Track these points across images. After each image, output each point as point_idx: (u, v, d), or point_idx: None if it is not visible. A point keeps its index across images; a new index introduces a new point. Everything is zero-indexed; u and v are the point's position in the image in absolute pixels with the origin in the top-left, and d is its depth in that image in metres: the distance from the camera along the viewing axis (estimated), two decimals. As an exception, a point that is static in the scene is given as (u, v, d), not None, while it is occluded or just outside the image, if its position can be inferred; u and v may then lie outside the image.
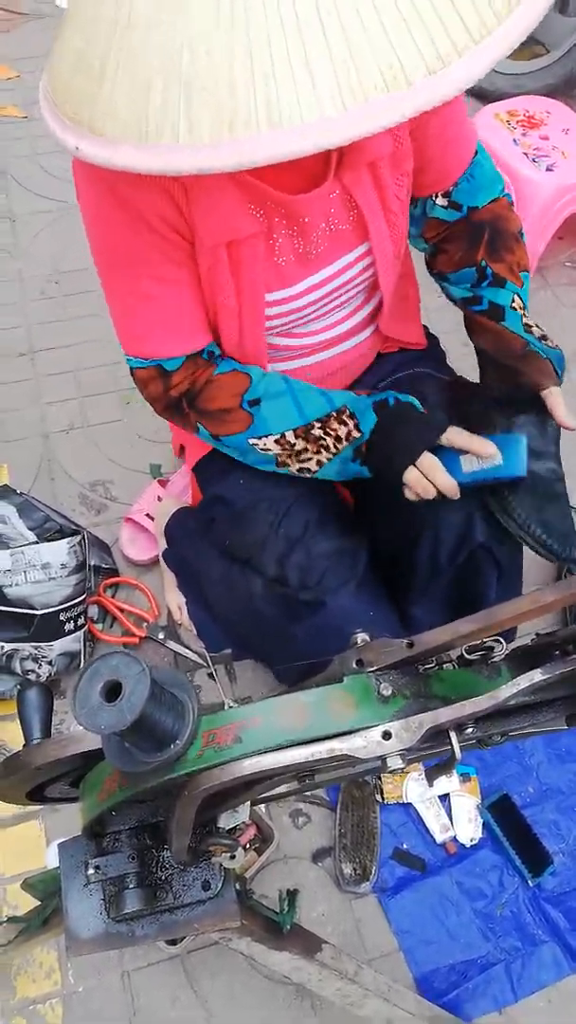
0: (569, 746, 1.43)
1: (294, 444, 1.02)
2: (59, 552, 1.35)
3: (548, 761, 1.42)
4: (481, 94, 2.61)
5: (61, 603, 1.37)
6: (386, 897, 1.30)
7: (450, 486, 0.97)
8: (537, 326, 1.08)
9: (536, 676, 0.59)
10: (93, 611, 1.53)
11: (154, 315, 0.95)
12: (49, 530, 1.43)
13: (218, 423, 1.02)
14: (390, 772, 0.60)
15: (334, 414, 1.00)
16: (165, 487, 1.63)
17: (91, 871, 0.74)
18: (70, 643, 1.41)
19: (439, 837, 1.34)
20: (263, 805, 1.36)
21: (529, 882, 1.30)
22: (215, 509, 1.17)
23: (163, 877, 0.78)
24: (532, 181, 2.00)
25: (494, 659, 0.65)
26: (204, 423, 1.03)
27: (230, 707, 1.51)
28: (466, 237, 1.09)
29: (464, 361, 1.94)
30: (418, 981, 1.24)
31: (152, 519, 1.59)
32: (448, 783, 1.37)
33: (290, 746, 0.59)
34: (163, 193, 0.86)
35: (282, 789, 0.73)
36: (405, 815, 1.36)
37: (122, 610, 1.55)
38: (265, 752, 0.59)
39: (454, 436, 0.98)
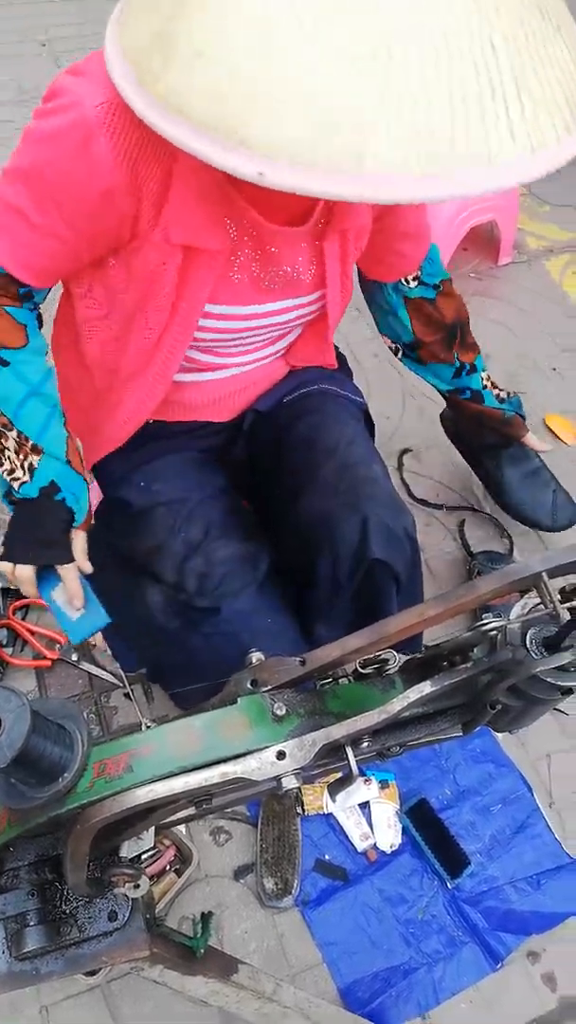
0: (483, 747, 1.46)
1: None
2: (-38, 576, 1.30)
3: (464, 762, 1.45)
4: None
5: (-35, 629, 1.32)
6: (309, 910, 1.30)
7: (31, 595, 1.02)
8: (495, 386, 1.48)
9: (426, 688, 0.60)
10: (2, 634, 1.48)
11: (12, 225, 0.89)
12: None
13: None
14: (283, 792, 0.59)
15: (30, 445, 0.97)
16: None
17: (-10, 911, 0.71)
18: (-23, 669, 1.36)
19: (360, 845, 1.34)
20: (183, 825, 1.34)
21: (448, 884, 1.32)
22: (113, 514, 1.16)
23: (67, 911, 0.76)
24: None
25: (388, 672, 0.66)
26: None
27: (147, 727, 1.48)
28: (444, 341, 1.34)
29: (375, 372, 1.99)
30: (342, 992, 1.24)
31: (62, 538, 1.55)
32: (367, 791, 1.38)
33: (183, 772, 0.58)
34: (131, 175, 0.81)
35: (184, 814, 0.72)
36: (326, 825, 1.37)
37: (33, 633, 1.50)
38: (157, 780, 0.57)
39: (66, 573, 1.00)
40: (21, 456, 0.98)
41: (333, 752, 0.63)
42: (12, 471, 0.98)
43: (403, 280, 1.26)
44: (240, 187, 0.87)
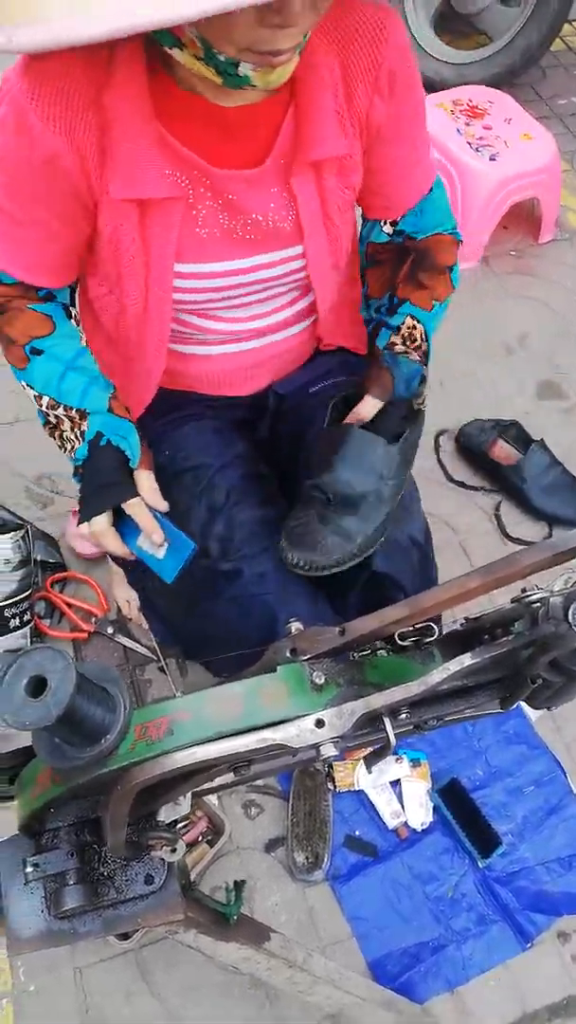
0: (516, 728, 1.46)
1: (47, 414, 1.00)
2: (2, 547, 1.33)
3: (496, 744, 1.45)
4: (426, 84, 2.60)
5: (5, 599, 1.35)
6: (339, 884, 1.31)
7: (120, 553, 1.01)
8: (408, 343, 1.07)
9: (466, 660, 0.60)
10: (40, 607, 1.51)
11: (11, 236, 0.92)
12: (-8, 525, 1.40)
13: (5, 348, 1.01)
14: (324, 760, 0.60)
15: (76, 413, 0.98)
16: (112, 480, 1.61)
17: (29, 869, 0.73)
18: (16, 639, 1.39)
19: (390, 823, 1.35)
20: (215, 797, 1.36)
21: (479, 863, 1.32)
22: None
23: (105, 872, 0.77)
24: (476, 171, 2.02)
25: (427, 644, 0.66)
26: (0, 343, 1.02)
27: (181, 700, 1.49)
28: (391, 262, 1.10)
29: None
30: (371, 966, 1.25)
31: (100, 512, 1.56)
32: (399, 769, 1.38)
33: (222, 737, 0.58)
34: (67, 137, 0.82)
35: (222, 780, 0.72)
36: (357, 802, 1.37)
37: (70, 605, 1.53)
38: (197, 744, 0.58)
39: (133, 509, 0.99)
40: (76, 430, 0.99)
41: (371, 722, 0.63)
42: (73, 447, 1.00)
43: (379, 222, 1.09)
44: (175, 127, 0.85)
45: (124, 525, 1.00)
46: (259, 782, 1.38)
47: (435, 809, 1.37)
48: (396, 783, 1.38)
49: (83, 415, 0.98)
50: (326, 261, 1.03)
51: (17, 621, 1.38)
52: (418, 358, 1.07)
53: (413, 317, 1.07)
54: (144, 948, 1.24)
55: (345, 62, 0.87)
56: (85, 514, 0.99)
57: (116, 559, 1.45)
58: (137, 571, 1.40)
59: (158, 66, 0.83)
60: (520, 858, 1.35)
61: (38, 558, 1.51)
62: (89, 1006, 1.21)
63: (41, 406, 1.00)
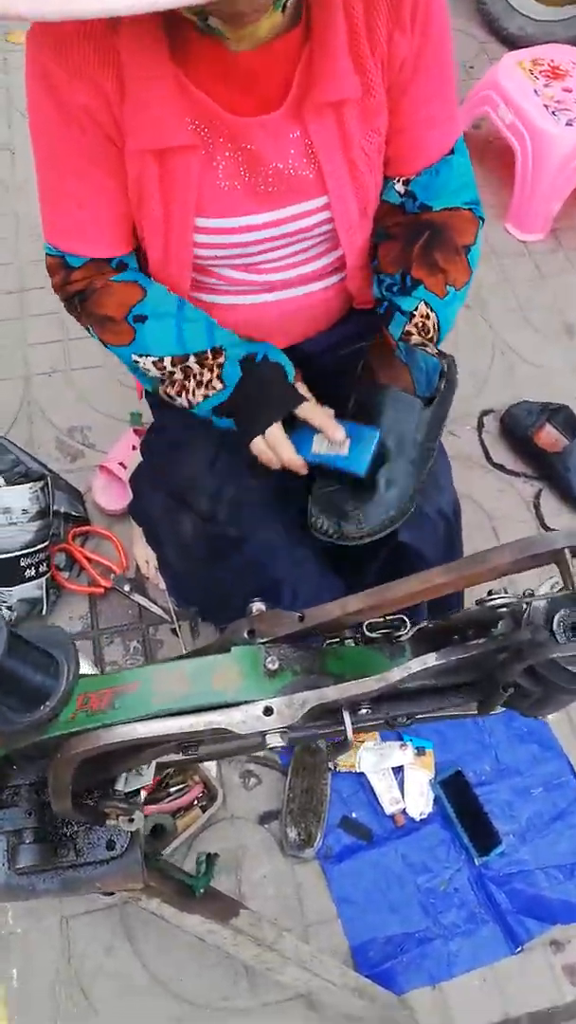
0: (530, 726, 1.40)
1: (173, 372, 0.99)
2: (20, 497, 1.33)
3: (507, 740, 1.40)
4: (508, 39, 2.48)
5: (21, 548, 1.35)
6: (329, 864, 1.29)
7: (294, 464, 0.97)
8: (421, 334, 1.00)
9: (430, 660, 0.56)
10: (60, 559, 1.51)
11: (68, 211, 0.93)
12: (17, 474, 1.40)
13: (104, 330, 1.00)
14: (268, 750, 0.57)
15: (211, 352, 0.97)
16: (142, 436, 1.59)
17: (-13, 824, 0.73)
18: (31, 589, 1.40)
19: (388, 809, 1.32)
20: (213, 764, 1.35)
21: (475, 861, 1.29)
22: (155, 441, 1.15)
23: (67, 833, 0.76)
24: (550, 135, 1.90)
25: (399, 638, 0.62)
26: (92, 327, 1.01)
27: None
28: (404, 237, 1.00)
29: (463, 322, 1.87)
30: (353, 950, 1.23)
31: (126, 468, 1.55)
32: (402, 755, 1.35)
33: (166, 715, 0.56)
34: (92, 86, 0.82)
35: (179, 756, 0.70)
36: (357, 784, 1.35)
37: (90, 560, 1.53)
38: (139, 720, 0.56)
39: (309, 412, 0.96)
40: (211, 372, 0.97)
41: (330, 715, 0.60)
42: (208, 385, 0.98)
43: (393, 180, 1.00)
44: (191, 72, 0.82)
45: (292, 438, 0.97)
46: (259, 752, 1.36)
47: (436, 800, 1.33)
48: (399, 769, 1.35)
49: (217, 352, 0.97)
50: (353, 211, 0.97)
51: (33, 571, 1.38)
52: (434, 352, 1.00)
53: (427, 304, 0.99)
54: (127, 904, 1.25)
55: None
56: (257, 428, 0.96)
57: (136, 516, 1.44)
58: (154, 530, 1.39)
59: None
60: (519, 860, 1.30)
61: (62, 510, 1.51)
62: (71, 955, 1.22)
63: (162, 369, 0.99)
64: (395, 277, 1.02)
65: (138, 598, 1.51)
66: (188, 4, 0.59)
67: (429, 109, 0.93)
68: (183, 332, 0.97)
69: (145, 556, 1.51)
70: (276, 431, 0.96)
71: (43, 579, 1.42)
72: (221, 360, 0.97)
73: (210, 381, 0.98)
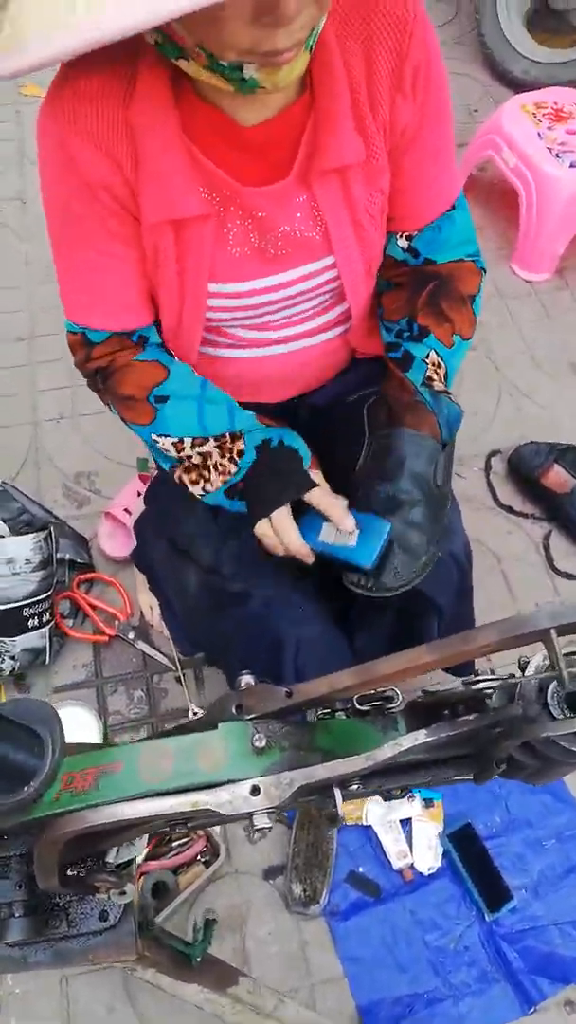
0: (541, 777, 1.37)
1: (190, 456, 0.98)
2: (23, 547, 1.33)
3: (519, 791, 1.37)
4: (512, 82, 2.51)
5: (25, 599, 1.35)
6: (336, 921, 1.26)
7: (300, 551, 0.95)
8: (440, 380, 1.01)
9: (420, 737, 0.54)
10: (65, 606, 1.51)
11: (87, 286, 0.93)
12: (22, 523, 1.41)
13: (125, 409, 0.99)
14: (257, 831, 0.55)
15: (228, 438, 0.97)
16: (147, 483, 1.59)
17: (-23, 896, 0.71)
18: (34, 639, 1.39)
19: (396, 863, 1.29)
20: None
21: (486, 917, 1.25)
22: (160, 491, 1.14)
23: (60, 903, 0.75)
24: (554, 177, 1.91)
25: (391, 711, 0.60)
26: (114, 404, 1.01)
27: (194, 713, 1.48)
28: (410, 287, 1.02)
29: (470, 364, 1.87)
30: (361, 1010, 1.20)
31: (131, 514, 1.56)
32: (410, 808, 1.32)
33: (151, 796, 0.55)
34: (109, 159, 0.83)
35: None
36: (363, 837, 1.32)
37: (94, 607, 1.52)
38: (124, 800, 0.55)
39: (319, 499, 0.94)
40: (228, 455, 0.97)
41: (319, 791, 0.59)
42: (226, 474, 0.97)
43: (395, 235, 1.01)
44: (201, 145, 0.83)
45: (301, 525, 0.96)
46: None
47: (445, 854, 1.30)
48: (406, 822, 1.32)
49: (235, 437, 0.97)
50: (359, 269, 0.98)
51: (36, 621, 1.38)
52: (454, 399, 1.01)
53: (436, 353, 1.00)
54: (130, 964, 1.22)
55: (368, 58, 0.82)
56: (264, 510, 0.94)
57: (141, 565, 1.44)
58: (157, 577, 1.39)
59: (183, 81, 0.81)
60: (531, 916, 1.27)
61: (67, 557, 1.51)
62: (71, 1015, 1.20)
63: (181, 451, 0.98)
64: (402, 323, 1.02)
65: (142, 646, 1.50)
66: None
67: (430, 169, 0.95)
68: (204, 414, 0.97)
69: (149, 603, 1.51)
70: (283, 515, 0.94)
71: (46, 628, 1.41)
72: (240, 445, 0.96)
73: (225, 468, 0.97)
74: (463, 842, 1.30)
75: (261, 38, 0.66)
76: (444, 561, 1.04)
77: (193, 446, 0.97)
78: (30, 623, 1.37)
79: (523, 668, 0.58)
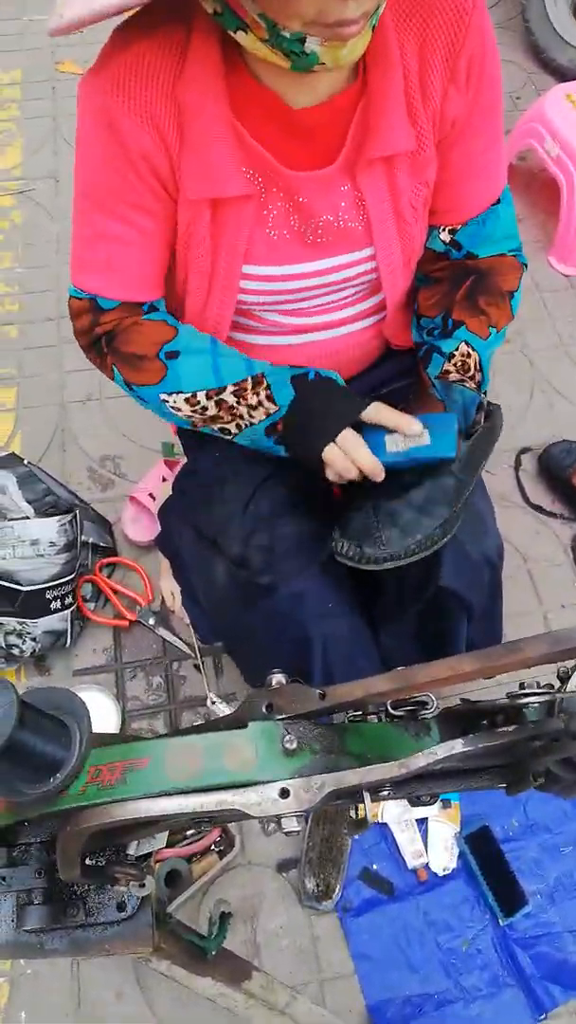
0: (561, 782, 1.35)
1: (206, 408, 0.94)
2: (48, 529, 1.32)
3: (538, 795, 1.34)
4: (557, 70, 2.46)
5: (48, 581, 1.35)
6: (348, 917, 1.25)
7: (373, 466, 0.90)
8: (460, 371, 0.99)
9: (457, 747, 0.53)
10: (87, 589, 1.51)
11: (107, 254, 0.91)
12: (47, 504, 1.40)
13: (132, 369, 0.95)
14: (287, 833, 0.54)
15: (250, 380, 0.93)
16: (172, 469, 1.58)
17: (-3, 881, 0.71)
18: (56, 621, 1.39)
19: (411, 862, 1.28)
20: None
21: (500, 921, 1.24)
22: (188, 482, 1.13)
23: (78, 892, 0.75)
24: (595, 171, 1.86)
25: (424, 716, 0.59)
26: (119, 366, 0.97)
27: (212, 702, 1.46)
28: (449, 281, 1.00)
29: (503, 359, 1.84)
30: (370, 1009, 1.19)
31: (155, 499, 1.55)
32: (427, 807, 1.31)
33: (178, 793, 0.54)
34: (154, 131, 0.81)
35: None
36: (379, 835, 1.31)
37: (116, 591, 1.52)
38: (150, 797, 0.54)
39: (379, 412, 0.91)
40: (256, 396, 0.93)
41: (348, 795, 0.57)
42: (254, 410, 0.93)
43: (438, 228, 1.00)
44: (249, 124, 0.81)
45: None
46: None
47: (460, 855, 1.29)
48: (422, 821, 1.31)
49: (257, 379, 0.93)
50: (397, 261, 0.96)
51: (58, 604, 1.38)
52: (473, 386, 0.98)
53: (468, 344, 0.98)
54: (141, 950, 1.22)
55: (423, 46, 0.80)
56: (325, 436, 0.90)
57: (166, 551, 1.43)
58: (182, 565, 1.38)
59: (235, 58, 0.79)
60: (546, 922, 1.25)
61: (90, 541, 1.51)
62: (81, 999, 1.20)
63: (195, 405, 0.94)
64: (436, 320, 1.01)
65: (163, 632, 1.49)
66: None
67: (478, 162, 0.93)
68: (219, 366, 0.94)
69: (171, 589, 1.50)
70: (350, 435, 0.90)
71: (68, 611, 1.41)
72: (263, 387, 0.93)
73: (260, 403, 0.93)
74: (479, 844, 1.28)
75: (331, 7, 0.64)
76: (475, 560, 1.02)
77: (209, 397, 0.94)
78: (52, 606, 1.37)
79: (563, 679, 0.57)
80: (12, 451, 1.51)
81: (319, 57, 0.71)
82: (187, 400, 0.95)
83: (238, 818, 0.61)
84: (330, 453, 0.91)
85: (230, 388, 0.93)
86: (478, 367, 0.98)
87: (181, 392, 0.95)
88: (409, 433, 0.91)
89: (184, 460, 1.44)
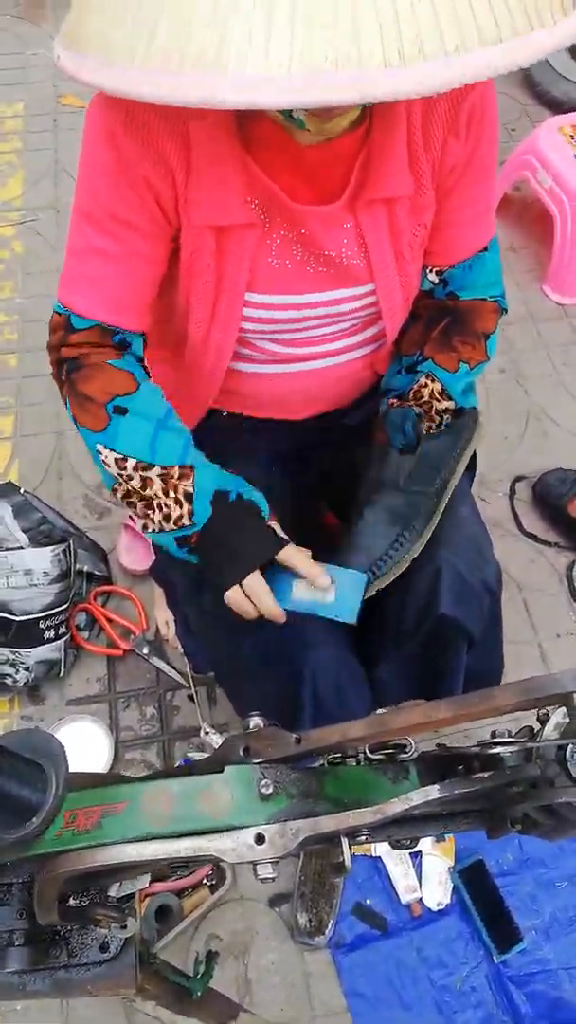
0: (556, 816, 1.34)
1: (131, 477, 0.93)
2: (42, 559, 1.33)
3: (533, 828, 1.33)
4: (551, 102, 2.49)
5: (41, 611, 1.35)
6: (341, 953, 1.24)
7: (274, 613, 0.92)
8: (412, 399, 1.05)
9: (432, 793, 0.53)
10: (81, 618, 1.51)
11: (91, 270, 0.90)
12: (42, 533, 1.41)
13: (79, 408, 0.94)
14: (261, 880, 0.54)
15: (176, 471, 0.92)
16: (168, 498, 1.59)
17: (-23, 922, 0.71)
18: (49, 651, 1.39)
19: (404, 897, 1.27)
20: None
21: (495, 958, 1.22)
22: None
23: (61, 933, 0.74)
24: (588, 203, 1.89)
25: (403, 760, 0.59)
26: (70, 399, 0.95)
27: (206, 732, 1.45)
28: (426, 320, 1.04)
29: (498, 388, 1.84)
30: (363, 1048, 1.17)
31: (150, 529, 1.55)
32: (421, 841, 1.30)
33: (153, 839, 0.54)
34: (160, 159, 0.83)
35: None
36: (372, 868, 1.30)
37: (110, 620, 1.52)
38: (127, 843, 0.54)
39: (291, 557, 0.92)
40: (172, 492, 0.92)
41: (326, 840, 0.57)
42: (169, 515, 0.92)
43: (426, 268, 1.02)
44: (256, 157, 0.83)
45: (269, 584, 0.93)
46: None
47: (454, 890, 1.28)
48: (416, 855, 1.30)
49: (185, 473, 0.92)
50: (397, 297, 0.99)
51: (52, 633, 1.38)
52: (418, 410, 1.04)
53: (430, 376, 1.01)
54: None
55: (430, 99, 0.82)
56: (232, 578, 0.91)
57: (160, 580, 1.44)
58: (175, 594, 1.38)
59: None
60: (541, 959, 1.24)
61: (85, 569, 1.51)
62: (70, 1035, 1.19)
63: (123, 470, 0.92)
64: (413, 357, 1.04)
65: (157, 662, 1.49)
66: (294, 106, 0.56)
67: (471, 210, 0.96)
68: (157, 439, 0.92)
69: (165, 618, 1.50)
70: (255, 580, 0.91)
71: (62, 641, 1.41)
72: (187, 484, 0.91)
73: (170, 514, 0.92)
74: (474, 879, 1.27)
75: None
76: (475, 588, 1.02)
77: (136, 469, 0.92)
78: (46, 635, 1.37)
79: (542, 721, 0.57)
80: (9, 479, 1.52)
81: (306, 125, 0.74)
82: (117, 461, 0.93)
83: (215, 862, 0.61)
84: (232, 597, 0.92)
85: (158, 469, 0.92)
86: (437, 395, 1.01)
87: (114, 451, 0.93)
88: (316, 587, 0.92)
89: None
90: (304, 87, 0.52)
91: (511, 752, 0.54)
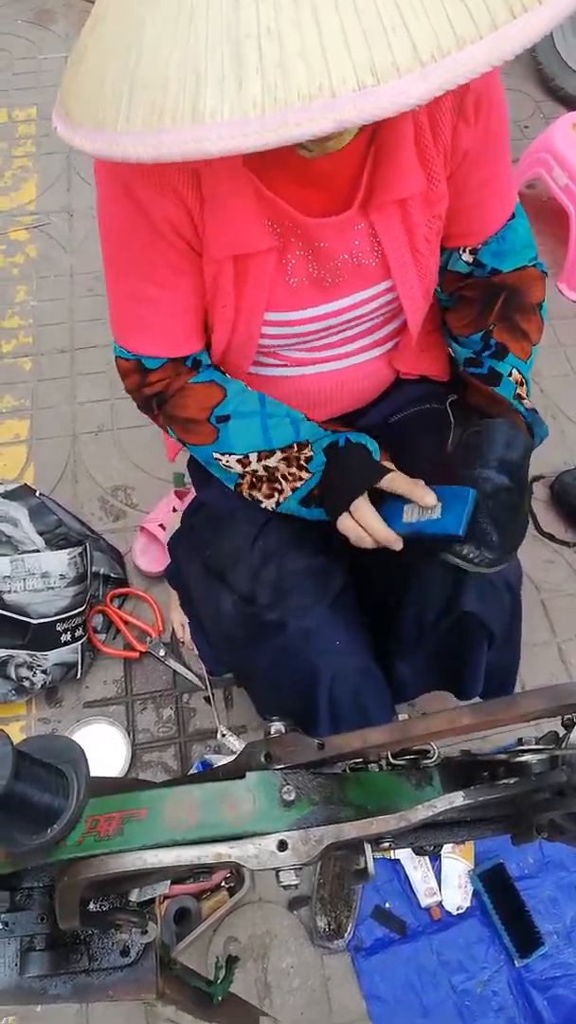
0: (577, 818, 1.33)
1: (256, 470, 0.97)
2: (59, 562, 1.33)
3: (553, 831, 1.32)
4: (565, 99, 2.47)
5: (58, 614, 1.35)
6: (360, 957, 1.23)
7: (385, 536, 0.91)
8: (528, 400, 1.02)
9: (457, 799, 0.52)
10: (98, 620, 1.51)
11: (144, 315, 0.93)
12: (58, 536, 1.41)
13: (184, 431, 0.99)
14: (284, 887, 0.53)
15: (295, 447, 0.96)
16: (183, 499, 1.59)
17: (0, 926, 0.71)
18: (66, 654, 1.39)
19: (424, 900, 1.26)
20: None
21: (515, 962, 1.21)
22: (197, 515, 1.13)
23: (81, 937, 0.74)
24: (604, 200, 1.87)
25: (426, 765, 0.58)
26: (172, 427, 1.01)
27: (223, 735, 1.45)
28: (480, 300, 1.03)
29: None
30: (383, 1052, 1.17)
31: (165, 529, 1.55)
32: (440, 843, 1.29)
33: (175, 845, 0.53)
34: (176, 200, 0.83)
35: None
36: (391, 871, 1.29)
37: (126, 622, 1.52)
38: (147, 849, 0.53)
39: (394, 482, 0.91)
40: (297, 464, 0.96)
41: (349, 846, 0.57)
42: (297, 485, 0.97)
43: (458, 250, 1.02)
44: (264, 176, 0.83)
45: (381, 511, 0.92)
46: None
47: (474, 893, 1.27)
48: (436, 858, 1.29)
49: (302, 446, 0.96)
50: (417, 291, 0.98)
51: (68, 636, 1.38)
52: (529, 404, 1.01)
53: (518, 371, 1.01)
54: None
55: None
56: (341, 505, 0.92)
57: (172, 581, 1.44)
58: (190, 597, 1.38)
59: None
60: (563, 963, 1.23)
61: (101, 571, 1.51)
62: (89, 1039, 1.19)
63: (247, 466, 0.98)
64: (475, 339, 1.03)
65: (173, 664, 1.49)
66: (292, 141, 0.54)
67: (491, 185, 0.95)
68: (268, 429, 0.97)
69: (181, 620, 1.50)
70: (362, 505, 0.91)
71: (79, 643, 1.41)
72: (308, 452, 0.96)
73: (294, 477, 0.97)
74: (494, 882, 1.26)
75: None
76: (496, 586, 1.01)
77: (259, 459, 0.97)
78: (63, 638, 1.37)
79: (567, 726, 0.56)
80: (25, 482, 1.53)
81: (306, 144, 0.74)
82: (239, 461, 0.98)
83: (237, 868, 0.60)
84: (344, 524, 0.92)
85: (279, 453, 0.97)
86: (522, 382, 1.02)
87: (233, 454, 0.98)
88: (423, 504, 0.90)
89: (190, 491, 1.45)
90: (278, 126, 0.51)
91: (537, 759, 0.54)
